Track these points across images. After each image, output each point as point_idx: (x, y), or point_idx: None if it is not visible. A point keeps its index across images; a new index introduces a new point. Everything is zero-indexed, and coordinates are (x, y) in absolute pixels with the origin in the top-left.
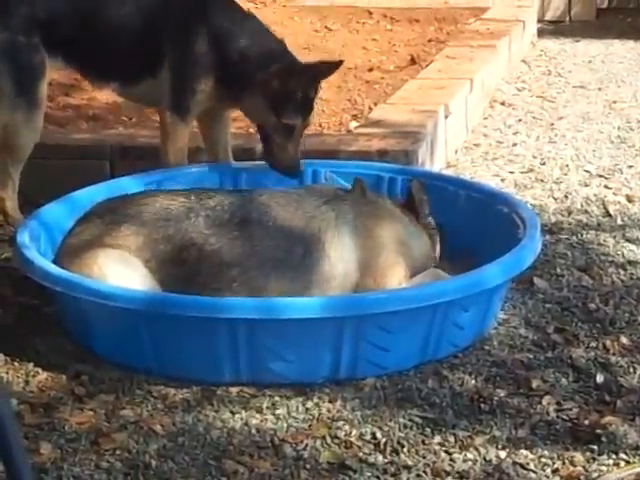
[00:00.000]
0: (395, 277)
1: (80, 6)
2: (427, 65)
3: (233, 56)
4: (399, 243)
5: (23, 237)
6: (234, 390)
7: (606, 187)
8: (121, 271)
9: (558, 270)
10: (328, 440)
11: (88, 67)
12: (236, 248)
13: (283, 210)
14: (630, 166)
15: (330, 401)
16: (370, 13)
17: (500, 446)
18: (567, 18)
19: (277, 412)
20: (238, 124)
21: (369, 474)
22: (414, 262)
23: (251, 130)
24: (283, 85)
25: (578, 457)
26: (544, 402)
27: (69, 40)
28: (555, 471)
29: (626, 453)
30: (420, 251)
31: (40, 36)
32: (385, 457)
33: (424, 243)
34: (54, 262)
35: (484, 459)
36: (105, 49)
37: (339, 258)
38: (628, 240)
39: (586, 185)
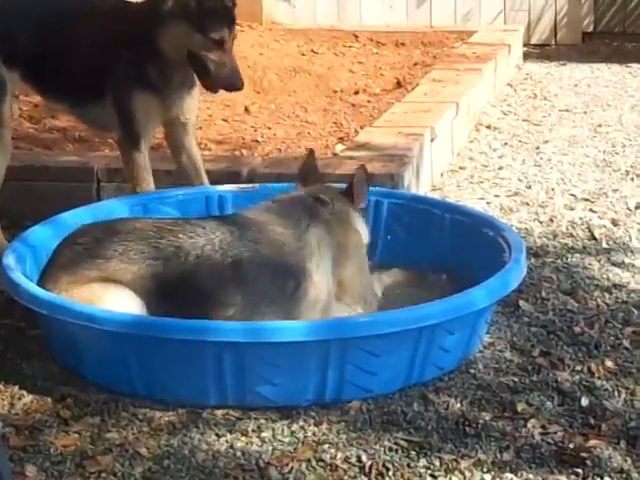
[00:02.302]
0: (364, 282)
1: (33, 26)
2: (413, 88)
3: (140, 20)
4: (360, 247)
5: (9, 259)
6: (220, 413)
7: (591, 211)
8: (116, 304)
9: (543, 293)
10: (313, 463)
11: (42, 85)
12: (230, 289)
13: (273, 247)
14: (615, 190)
15: (316, 424)
16: (356, 36)
17: (485, 469)
18: (553, 42)
19: (262, 435)
20: (224, 147)
21: None
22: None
23: (236, 153)
24: (198, 0)
25: None
26: (529, 425)
27: (25, 57)
28: None
29: (611, 477)
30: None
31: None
32: None
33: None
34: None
35: None
36: (56, 68)
37: (324, 282)
38: (613, 264)
39: (571, 209)
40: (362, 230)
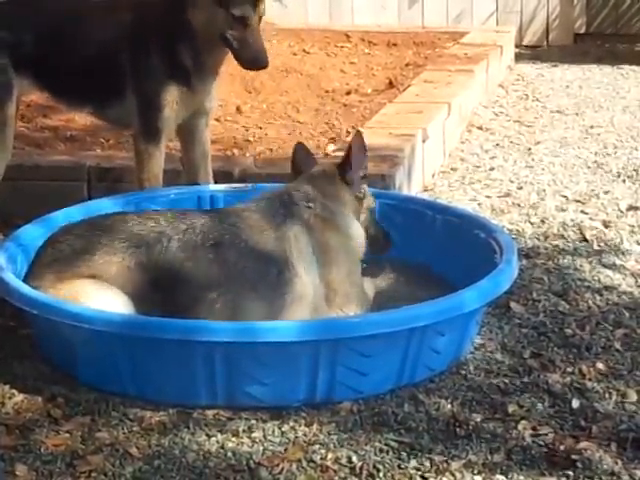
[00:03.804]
0: (354, 284)
1: (46, 29)
2: (405, 89)
3: (168, 8)
4: (350, 248)
5: (0, 259)
6: (210, 413)
7: (583, 212)
8: (102, 301)
9: (534, 295)
10: (304, 464)
11: (58, 90)
12: (213, 271)
13: (252, 231)
14: (606, 191)
15: (306, 425)
16: (348, 37)
17: (476, 471)
18: (545, 43)
19: (253, 435)
20: (216, 146)
21: None
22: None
23: (228, 153)
24: None
25: None
26: (520, 427)
27: (38, 62)
28: None
29: (601, 479)
30: (362, 240)
31: (9, 58)
32: None
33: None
34: None
35: None
36: (73, 73)
37: (307, 275)
38: (604, 265)
39: (563, 210)
40: (356, 233)
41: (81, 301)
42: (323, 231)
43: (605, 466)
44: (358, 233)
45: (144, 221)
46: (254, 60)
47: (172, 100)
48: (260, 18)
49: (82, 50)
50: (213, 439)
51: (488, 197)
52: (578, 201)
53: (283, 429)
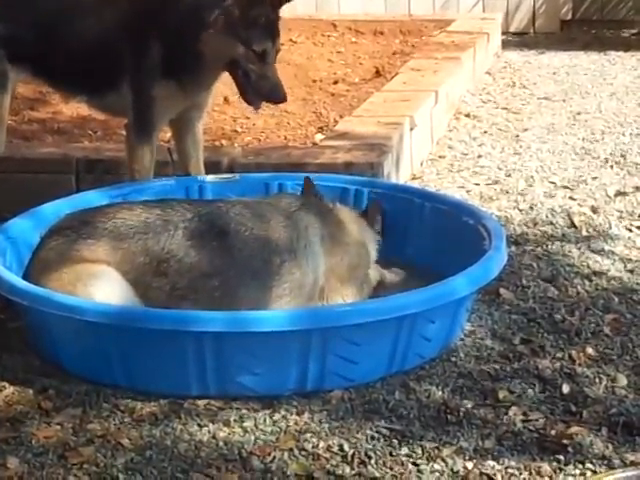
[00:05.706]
0: (357, 279)
1: (42, 20)
2: (392, 77)
3: (181, 19)
4: (359, 245)
5: None
6: (201, 403)
7: (571, 198)
8: (104, 286)
9: (524, 281)
10: (296, 452)
11: (55, 79)
12: (216, 259)
13: (258, 220)
14: (594, 177)
15: (297, 413)
16: (335, 26)
17: (467, 457)
18: (531, 30)
19: (245, 425)
20: (205, 137)
21: None
22: (372, 259)
23: (216, 143)
24: (243, 11)
25: (545, 467)
26: (511, 413)
27: (34, 53)
28: None
29: (592, 463)
30: (375, 250)
31: (4, 49)
32: (352, 469)
33: (375, 242)
34: (25, 277)
35: (451, 470)
36: (69, 62)
37: (309, 266)
38: (593, 251)
39: (551, 196)
40: (369, 238)
41: (86, 286)
42: (337, 225)
43: (596, 450)
44: (371, 240)
45: (151, 209)
46: (273, 94)
47: (167, 96)
48: (277, 52)
49: (83, 40)
50: (204, 429)
51: (476, 184)
52: (566, 187)
53: (274, 418)
